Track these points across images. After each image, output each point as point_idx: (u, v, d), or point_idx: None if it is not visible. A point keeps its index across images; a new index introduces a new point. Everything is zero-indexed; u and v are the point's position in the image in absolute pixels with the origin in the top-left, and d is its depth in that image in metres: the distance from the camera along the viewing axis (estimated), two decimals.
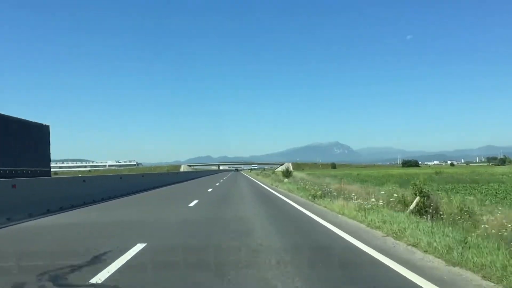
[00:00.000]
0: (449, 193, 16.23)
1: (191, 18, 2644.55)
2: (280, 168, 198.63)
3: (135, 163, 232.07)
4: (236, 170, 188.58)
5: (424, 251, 6.25)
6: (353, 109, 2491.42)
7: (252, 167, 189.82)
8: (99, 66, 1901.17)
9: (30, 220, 10.67)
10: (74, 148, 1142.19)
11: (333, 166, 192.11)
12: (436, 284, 4.58)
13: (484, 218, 9.37)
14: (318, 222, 10.00)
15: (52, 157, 28.04)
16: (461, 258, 5.45)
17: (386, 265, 5.56)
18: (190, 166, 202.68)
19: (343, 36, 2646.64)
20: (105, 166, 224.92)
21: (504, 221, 8.34)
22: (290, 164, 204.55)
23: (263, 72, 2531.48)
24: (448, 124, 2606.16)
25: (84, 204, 14.94)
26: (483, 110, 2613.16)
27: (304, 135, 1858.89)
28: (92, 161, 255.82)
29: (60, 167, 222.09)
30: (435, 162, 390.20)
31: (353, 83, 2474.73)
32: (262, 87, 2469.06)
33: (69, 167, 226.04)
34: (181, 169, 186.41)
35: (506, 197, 17.38)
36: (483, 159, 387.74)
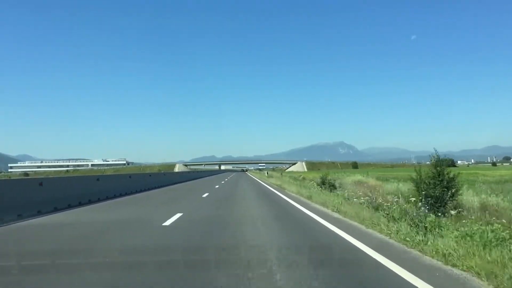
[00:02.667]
0: None
1: (191, 18, 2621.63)
2: (293, 168, 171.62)
3: (124, 162, 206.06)
4: (243, 170, 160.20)
5: None
6: (358, 109, 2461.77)
7: (260, 167, 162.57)
8: (99, 66, 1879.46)
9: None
10: (76, 147, 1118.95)
11: (355, 165, 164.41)
12: None
13: None
14: None
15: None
16: None
17: None
18: (186, 165, 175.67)
19: (346, 36, 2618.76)
20: (88, 166, 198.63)
21: None
22: (303, 163, 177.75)
23: (266, 72, 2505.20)
24: (453, 124, 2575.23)
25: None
26: (488, 110, 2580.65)
27: (308, 135, 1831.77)
28: (90, 160, 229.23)
29: (39, 167, 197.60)
30: None
31: (358, 82, 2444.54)
32: (266, 87, 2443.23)
33: (48, 166, 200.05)
34: (176, 169, 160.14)
35: None
36: (494, 159, 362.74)
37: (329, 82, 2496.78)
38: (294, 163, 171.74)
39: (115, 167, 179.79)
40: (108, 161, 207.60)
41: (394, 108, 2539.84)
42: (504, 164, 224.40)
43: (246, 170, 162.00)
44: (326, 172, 30.52)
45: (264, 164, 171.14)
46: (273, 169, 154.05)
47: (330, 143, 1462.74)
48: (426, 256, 5.55)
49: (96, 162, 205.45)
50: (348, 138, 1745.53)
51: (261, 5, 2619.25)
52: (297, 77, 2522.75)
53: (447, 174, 11.15)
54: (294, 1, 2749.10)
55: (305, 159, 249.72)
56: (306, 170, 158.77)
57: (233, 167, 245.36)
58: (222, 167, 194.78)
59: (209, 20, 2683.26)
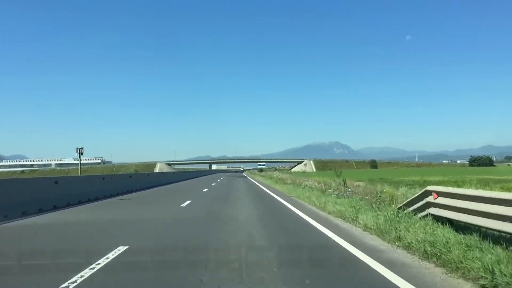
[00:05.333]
0: None
1: (191, 18, 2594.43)
2: (298, 168, 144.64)
3: (99, 161, 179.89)
4: (243, 171, 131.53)
5: None
6: (353, 109, 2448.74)
7: (260, 166, 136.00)
8: (98, 66, 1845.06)
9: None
10: (71, 147, 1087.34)
11: (374, 164, 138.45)
12: None
13: None
14: None
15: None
16: None
17: None
18: (169, 165, 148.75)
19: (342, 37, 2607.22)
20: (51, 165, 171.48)
21: None
22: (311, 161, 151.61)
23: (261, 72, 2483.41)
24: (448, 124, 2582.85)
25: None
26: (483, 110, 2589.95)
27: (304, 135, 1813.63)
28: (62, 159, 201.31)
29: None
30: (444, 161, 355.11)
31: (353, 83, 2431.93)
32: (261, 87, 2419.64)
33: (10, 166, 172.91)
34: (157, 169, 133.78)
35: None
36: (494, 158, 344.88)
37: (324, 83, 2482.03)
38: (300, 162, 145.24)
39: (86, 166, 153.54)
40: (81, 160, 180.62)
41: (389, 108, 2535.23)
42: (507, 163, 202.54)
43: (243, 171, 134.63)
44: None
45: (264, 163, 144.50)
46: (276, 169, 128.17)
47: (325, 143, 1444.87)
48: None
49: (66, 161, 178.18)
50: (343, 138, 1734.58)
51: (260, 6, 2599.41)
52: (292, 78, 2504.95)
53: None
54: (293, 2, 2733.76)
55: (301, 157, 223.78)
56: (315, 170, 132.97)
57: (228, 166, 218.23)
58: (214, 167, 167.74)
59: (207, 19, 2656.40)
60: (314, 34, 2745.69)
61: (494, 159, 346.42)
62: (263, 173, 58.94)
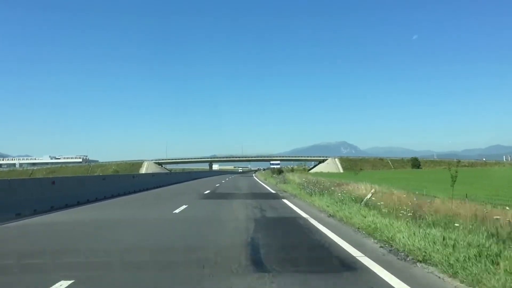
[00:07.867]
0: None
1: (191, 17, 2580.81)
2: (321, 168, 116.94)
3: (80, 160, 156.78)
4: (254, 172, 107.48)
5: None
6: (360, 109, 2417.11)
7: (273, 165, 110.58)
8: (99, 66, 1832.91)
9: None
10: (74, 147, 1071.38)
11: (416, 163, 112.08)
12: None
13: None
14: None
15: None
16: None
17: None
18: (159, 164, 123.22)
19: (349, 36, 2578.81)
20: (15, 165, 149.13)
21: None
22: (336, 160, 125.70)
23: (265, 72, 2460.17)
24: (455, 124, 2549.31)
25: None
26: (489, 110, 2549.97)
27: (310, 135, 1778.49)
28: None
29: None
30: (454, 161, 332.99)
31: (360, 82, 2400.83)
32: (267, 86, 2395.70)
33: None
34: (143, 169, 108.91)
35: None
36: (509, 158, 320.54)
37: (331, 82, 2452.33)
38: (323, 160, 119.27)
39: (58, 166, 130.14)
40: (59, 158, 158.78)
41: (396, 108, 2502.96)
42: None
43: (255, 171, 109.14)
44: None
45: (278, 162, 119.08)
46: (292, 169, 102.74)
47: (332, 143, 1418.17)
48: None
49: (42, 160, 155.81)
50: (351, 138, 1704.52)
51: (261, 6, 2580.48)
52: (299, 77, 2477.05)
53: None
54: (295, 1, 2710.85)
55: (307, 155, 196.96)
56: (342, 170, 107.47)
57: (234, 166, 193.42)
58: (215, 167, 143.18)
59: (210, 19, 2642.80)
60: (318, 34, 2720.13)
61: (504, 159, 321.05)
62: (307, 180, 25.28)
